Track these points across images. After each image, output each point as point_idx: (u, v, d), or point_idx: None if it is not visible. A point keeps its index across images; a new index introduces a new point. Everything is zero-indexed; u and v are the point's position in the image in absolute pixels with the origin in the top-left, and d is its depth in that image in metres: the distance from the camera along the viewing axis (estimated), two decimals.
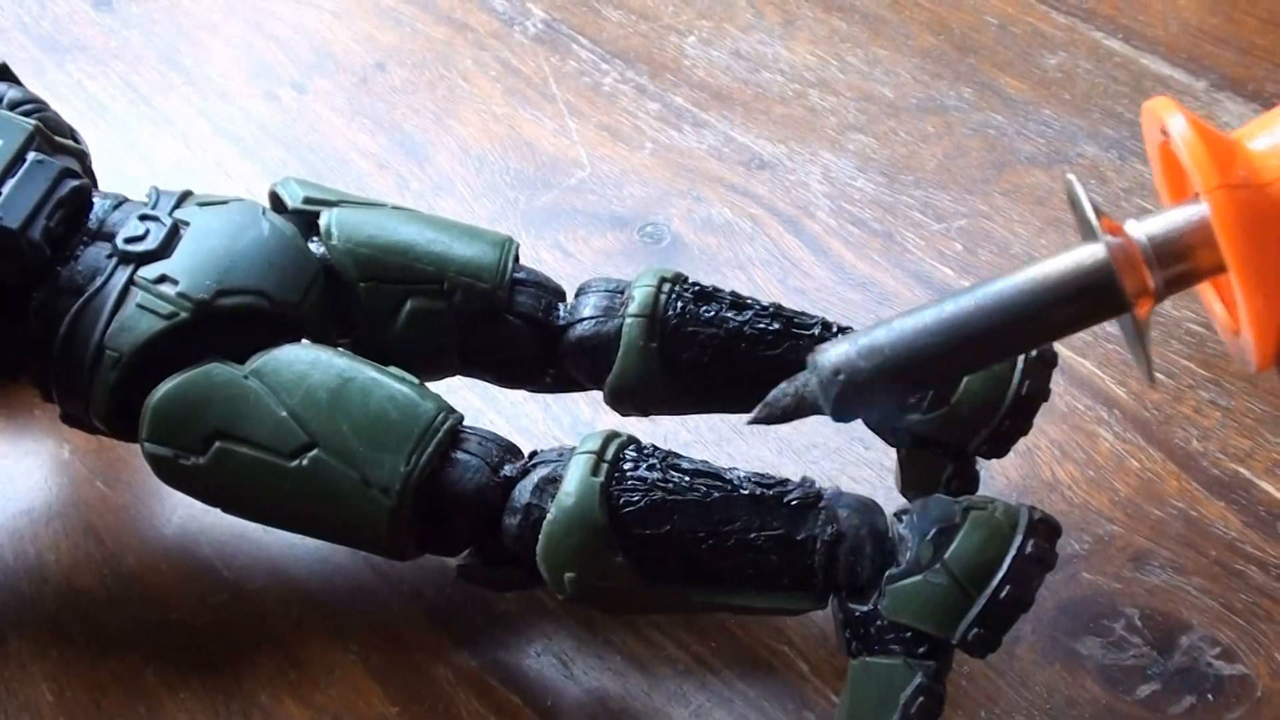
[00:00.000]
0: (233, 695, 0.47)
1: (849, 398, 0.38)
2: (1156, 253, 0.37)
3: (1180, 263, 0.37)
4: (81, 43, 0.74)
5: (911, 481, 0.47)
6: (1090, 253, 0.37)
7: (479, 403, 0.54)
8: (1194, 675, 0.46)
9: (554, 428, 0.54)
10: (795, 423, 0.52)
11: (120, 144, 0.67)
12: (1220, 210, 0.35)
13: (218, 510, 0.45)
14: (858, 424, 0.48)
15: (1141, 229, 0.37)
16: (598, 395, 0.50)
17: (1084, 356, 0.55)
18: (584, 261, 0.61)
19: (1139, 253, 0.37)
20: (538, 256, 0.61)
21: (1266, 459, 0.52)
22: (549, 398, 0.54)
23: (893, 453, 0.51)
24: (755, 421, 0.39)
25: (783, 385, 0.39)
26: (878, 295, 0.58)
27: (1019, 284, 0.38)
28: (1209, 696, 0.45)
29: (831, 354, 0.38)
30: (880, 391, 0.38)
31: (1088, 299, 0.37)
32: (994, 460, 0.48)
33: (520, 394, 0.53)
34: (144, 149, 0.67)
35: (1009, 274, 0.38)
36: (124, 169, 0.64)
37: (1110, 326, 0.56)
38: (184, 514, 0.51)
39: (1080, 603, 0.48)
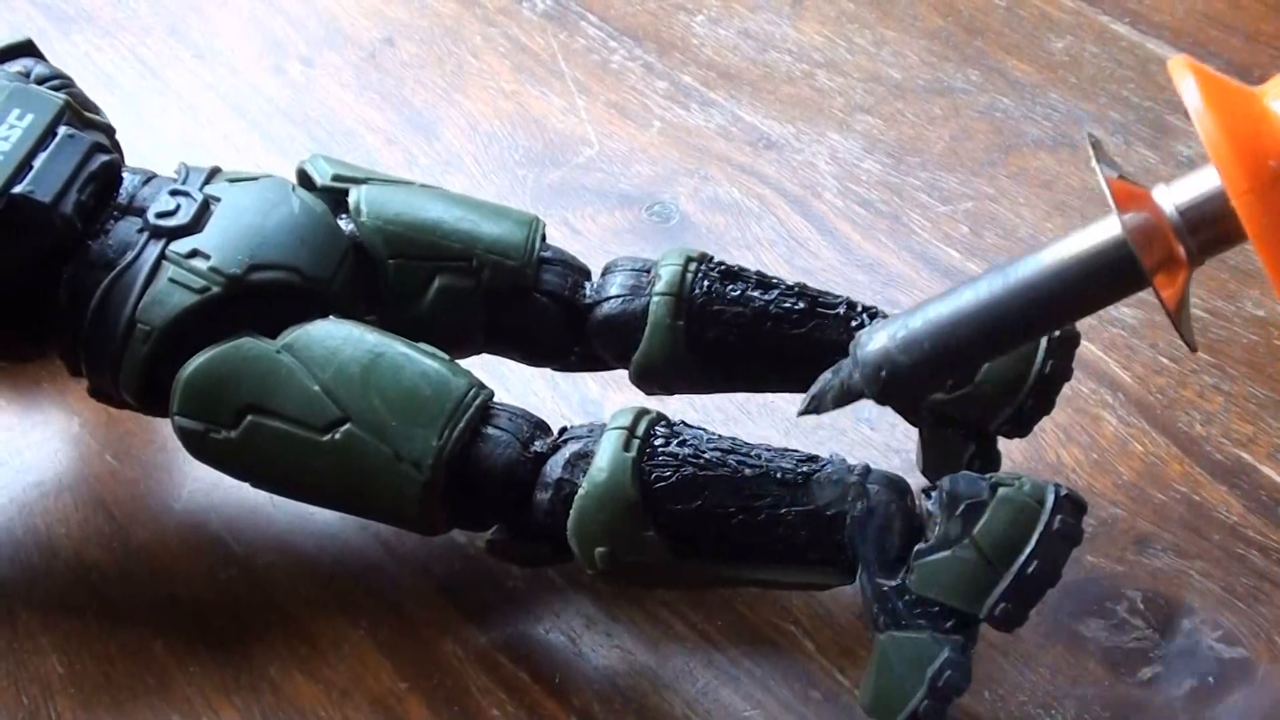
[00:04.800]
0: (241, 669, 0.47)
1: (892, 390, 0.40)
2: (1186, 221, 0.36)
3: (1213, 228, 0.36)
4: (89, 13, 0.74)
5: (933, 461, 0.47)
6: (1106, 229, 0.37)
7: (488, 380, 0.54)
8: (1195, 658, 0.46)
9: (562, 405, 0.54)
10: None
11: (128, 117, 0.67)
12: (1252, 218, 0.34)
13: (227, 485, 0.45)
14: (864, 405, 0.49)
15: (1170, 197, 0.36)
16: (607, 374, 0.50)
17: (1089, 340, 0.55)
18: (592, 239, 0.61)
19: (1167, 224, 0.36)
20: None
21: (1269, 444, 0.52)
22: (558, 376, 0.54)
23: (898, 436, 0.52)
24: (805, 412, 0.42)
25: (826, 375, 0.41)
26: (884, 277, 0.59)
27: (1045, 265, 0.38)
28: (1209, 679, 0.46)
29: (872, 349, 0.40)
30: (920, 381, 0.40)
31: (1111, 277, 0.37)
32: (998, 443, 0.48)
33: (529, 372, 0.53)
34: (152, 122, 0.67)
35: (1034, 253, 0.38)
36: (132, 142, 0.64)
37: (1114, 310, 0.56)
38: (193, 489, 0.52)
39: (1083, 585, 0.48)
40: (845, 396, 0.41)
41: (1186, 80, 0.35)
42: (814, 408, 0.41)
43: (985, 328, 0.39)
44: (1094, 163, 0.37)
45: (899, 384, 0.40)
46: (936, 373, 0.40)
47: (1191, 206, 0.36)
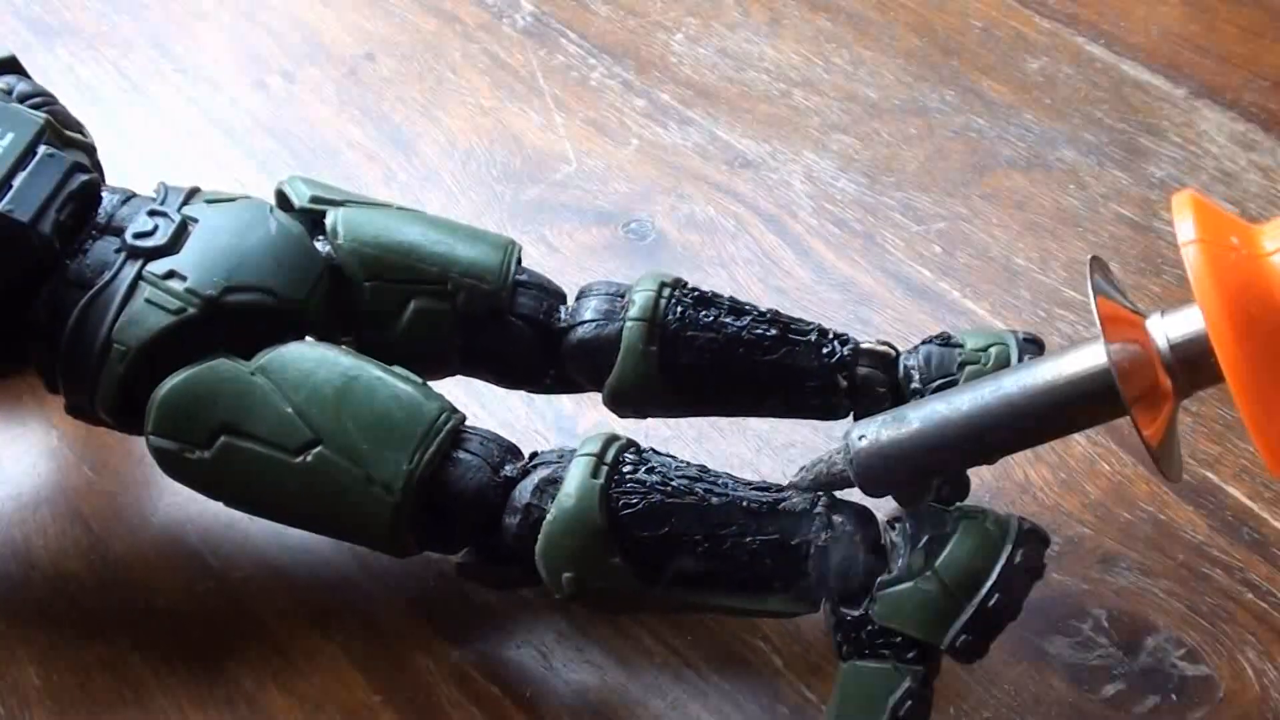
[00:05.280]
0: (217, 681, 0.47)
1: (875, 481, 0.41)
2: (1176, 355, 0.36)
3: (1203, 366, 0.36)
4: (72, 26, 0.74)
5: None
6: (1093, 355, 0.37)
7: (464, 397, 0.54)
8: (1159, 676, 0.47)
9: (537, 422, 0.55)
10: (773, 421, 0.54)
11: (110, 131, 0.67)
12: (1236, 374, 0.34)
13: (204, 499, 0.45)
14: (835, 426, 0.50)
15: (1163, 329, 0.36)
16: (581, 394, 0.50)
17: None
18: (568, 257, 0.61)
19: (1156, 355, 0.36)
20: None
21: (1234, 464, 0.52)
22: (534, 395, 0.55)
23: None
24: (793, 486, 0.43)
25: (821, 456, 0.42)
26: (857, 295, 0.59)
27: (1035, 381, 0.39)
28: (1173, 697, 0.46)
29: (864, 442, 0.41)
30: (904, 478, 0.41)
31: (1092, 402, 0.38)
32: None
33: (504, 390, 0.54)
34: (133, 136, 0.68)
35: (1028, 366, 0.39)
36: (113, 156, 0.64)
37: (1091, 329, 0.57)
38: (170, 502, 0.52)
39: (1049, 603, 0.49)
40: (832, 480, 0.42)
41: (1186, 224, 0.35)
42: (802, 484, 0.42)
43: (971, 433, 0.40)
44: (1089, 284, 0.37)
45: (883, 477, 0.41)
46: (921, 471, 0.41)
47: (1183, 342, 0.36)
